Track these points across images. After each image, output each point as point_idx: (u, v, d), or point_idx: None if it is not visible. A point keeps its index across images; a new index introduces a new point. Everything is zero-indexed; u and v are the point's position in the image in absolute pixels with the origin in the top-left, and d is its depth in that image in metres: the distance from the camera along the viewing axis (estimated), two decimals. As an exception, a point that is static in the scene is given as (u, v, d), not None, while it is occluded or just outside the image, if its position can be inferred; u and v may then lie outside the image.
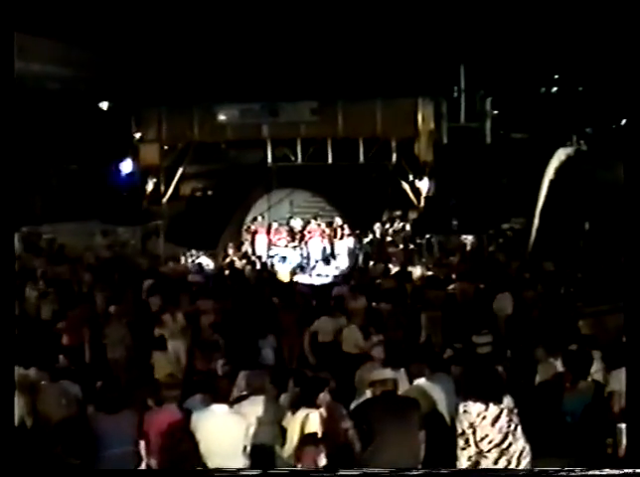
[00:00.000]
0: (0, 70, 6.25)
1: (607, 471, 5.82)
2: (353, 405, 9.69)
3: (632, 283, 6.50)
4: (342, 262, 28.86)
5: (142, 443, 8.99)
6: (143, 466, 8.71)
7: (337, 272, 27.63)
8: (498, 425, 8.01)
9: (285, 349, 16.38)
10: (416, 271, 24.14)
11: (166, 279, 22.47)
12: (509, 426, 8.05)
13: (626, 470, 5.76)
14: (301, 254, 29.56)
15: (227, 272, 25.54)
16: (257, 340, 15.68)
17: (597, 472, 5.91)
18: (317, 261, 29.25)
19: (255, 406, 9.67)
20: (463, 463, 8.01)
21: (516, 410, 8.17)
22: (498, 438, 8.01)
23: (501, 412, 8.03)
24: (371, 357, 12.25)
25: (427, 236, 28.52)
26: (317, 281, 26.61)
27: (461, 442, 8.03)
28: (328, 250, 29.62)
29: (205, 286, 21.54)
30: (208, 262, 27.98)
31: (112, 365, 15.39)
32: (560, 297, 17.97)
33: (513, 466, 8.03)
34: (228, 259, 28.59)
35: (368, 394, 9.32)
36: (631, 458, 5.96)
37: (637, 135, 7.02)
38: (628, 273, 6.58)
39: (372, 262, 27.10)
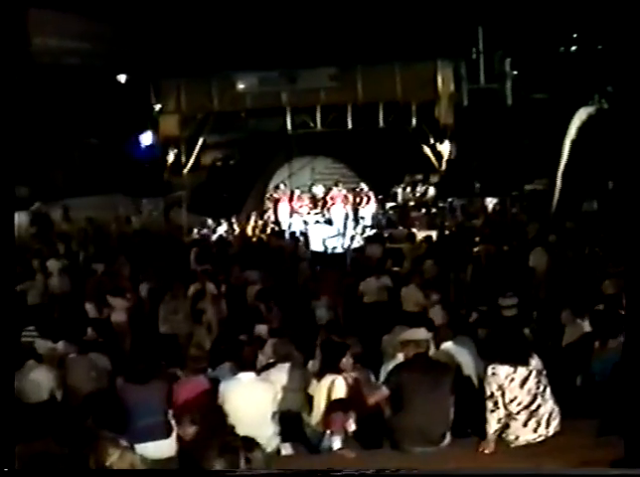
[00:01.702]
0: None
1: (607, 471, 5.84)
2: (382, 370, 9.69)
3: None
4: (366, 227, 28.78)
5: (171, 413, 9.04)
6: (174, 436, 8.77)
7: (361, 237, 27.58)
8: (527, 387, 8.01)
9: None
10: (440, 234, 24.20)
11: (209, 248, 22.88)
12: (538, 388, 8.05)
13: (626, 470, 5.76)
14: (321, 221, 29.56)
15: (253, 241, 25.92)
16: (310, 301, 16.09)
17: (597, 472, 5.93)
18: (343, 227, 29.22)
19: (283, 374, 9.70)
20: (492, 425, 8.02)
21: (544, 372, 8.17)
22: (527, 400, 8.02)
23: (529, 374, 8.03)
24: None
25: (450, 199, 28.43)
26: (342, 247, 26.73)
27: (490, 405, 8.04)
28: (351, 216, 29.57)
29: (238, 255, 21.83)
30: (230, 231, 28.19)
31: (166, 338, 15.36)
32: (585, 257, 17.91)
33: (542, 428, 8.04)
34: (251, 228, 28.69)
35: (399, 357, 9.27)
36: (631, 458, 5.95)
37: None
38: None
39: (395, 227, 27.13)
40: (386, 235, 25.63)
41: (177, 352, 11.31)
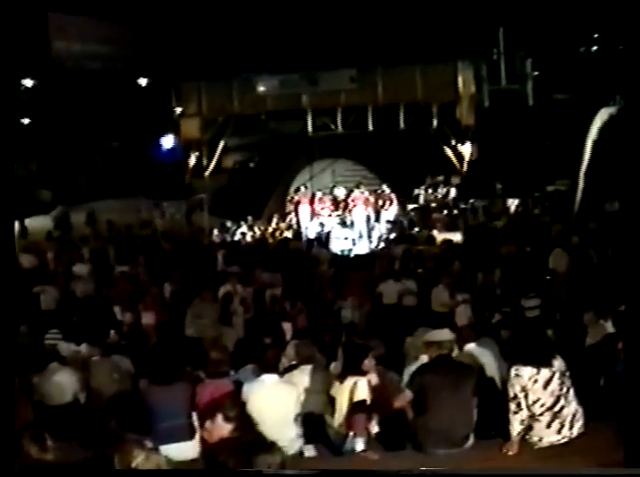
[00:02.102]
0: None
1: (607, 471, 5.81)
2: (405, 372, 9.68)
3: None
4: (386, 229, 28.75)
5: (195, 415, 9.06)
6: (197, 438, 8.78)
7: (382, 239, 27.58)
8: (550, 388, 7.99)
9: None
10: (462, 236, 24.21)
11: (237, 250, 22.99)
12: (561, 389, 8.03)
13: (626, 470, 5.74)
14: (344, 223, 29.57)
15: (275, 243, 26.07)
16: (334, 302, 16.27)
17: (597, 472, 5.91)
18: (365, 229, 29.23)
19: (305, 376, 9.68)
20: (516, 427, 8.01)
21: (568, 373, 8.14)
22: (550, 401, 8.00)
23: (553, 375, 8.01)
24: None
25: (472, 200, 28.37)
26: (364, 249, 26.78)
27: (513, 406, 8.02)
28: (372, 218, 29.54)
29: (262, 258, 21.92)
30: (251, 234, 28.25)
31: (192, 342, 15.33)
32: (608, 258, 17.81)
33: (566, 429, 8.02)
34: (273, 230, 28.75)
35: (424, 358, 9.26)
36: (631, 458, 5.93)
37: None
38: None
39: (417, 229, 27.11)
40: (407, 236, 25.60)
41: (203, 355, 11.33)
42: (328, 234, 27.57)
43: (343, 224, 29.17)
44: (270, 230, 28.94)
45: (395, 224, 28.97)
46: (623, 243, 6.48)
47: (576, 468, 7.02)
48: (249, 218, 29.38)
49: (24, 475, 5.75)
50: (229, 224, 29.19)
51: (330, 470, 7.60)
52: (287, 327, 13.99)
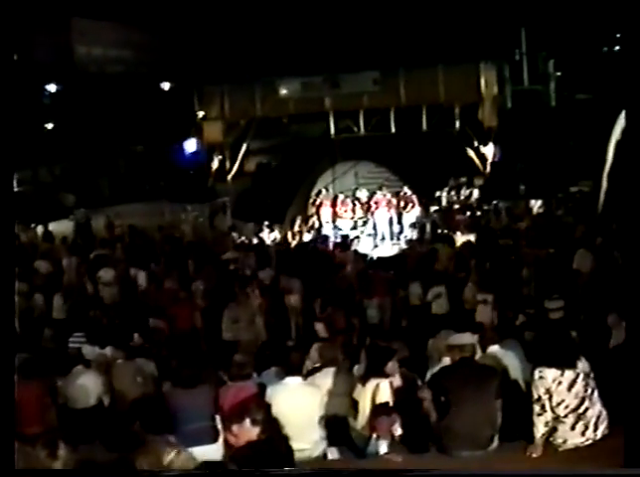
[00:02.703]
0: None
1: (607, 471, 5.77)
2: (428, 374, 9.66)
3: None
4: (410, 231, 28.72)
5: (218, 418, 9.07)
6: (220, 441, 8.80)
7: (404, 241, 27.56)
8: (574, 390, 7.94)
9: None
10: (485, 237, 24.10)
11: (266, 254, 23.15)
12: (585, 391, 7.98)
13: (626, 470, 5.70)
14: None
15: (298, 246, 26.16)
16: (362, 301, 16.39)
17: (596, 472, 5.87)
18: (388, 231, 29.21)
19: (328, 378, 9.68)
20: (540, 429, 7.97)
21: (592, 375, 8.10)
22: (574, 403, 7.95)
23: (577, 377, 7.96)
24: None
25: (495, 201, 28.28)
26: (386, 250, 26.77)
27: (537, 408, 7.98)
28: (395, 220, 29.51)
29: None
30: (273, 237, 28.24)
31: (231, 345, 15.36)
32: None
33: (590, 431, 7.97)
34: (294, 233, 28.74)
35: (446, 360, 9.24)
36: (631, 458, 5.89)
37: None
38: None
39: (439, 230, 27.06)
40: (431, 238, 25.58)
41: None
42: (350, 236, 27.56)
43: (365, 225, 29.18)
44: (290, 234, 28.92)
45: (417, 225, 28.93)
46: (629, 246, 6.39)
47: (576, 468, 6.97)
48: (267, 221, 29.34)
49: (24, 475, 5.76)
50: (244, 229, 29.16)
51: (330, 469, 7.58)
52: (320, 327, 14.10)
